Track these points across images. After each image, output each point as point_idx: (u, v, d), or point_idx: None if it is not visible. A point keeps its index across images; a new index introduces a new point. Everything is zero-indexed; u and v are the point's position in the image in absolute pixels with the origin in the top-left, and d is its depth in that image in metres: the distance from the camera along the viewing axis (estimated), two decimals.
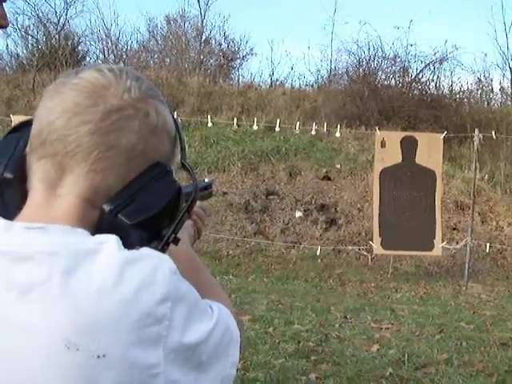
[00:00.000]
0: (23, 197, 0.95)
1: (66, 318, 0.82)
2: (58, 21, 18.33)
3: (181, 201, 0.99)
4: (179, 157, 1.04)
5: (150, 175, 0.95)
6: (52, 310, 0.83)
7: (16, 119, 10.48)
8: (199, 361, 0.92)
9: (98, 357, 0.82)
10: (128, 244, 0.91)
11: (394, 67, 16.58)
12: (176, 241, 0.99)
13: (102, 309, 0.83)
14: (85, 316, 0.82)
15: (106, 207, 0.92)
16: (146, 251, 0.89)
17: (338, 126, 12.33)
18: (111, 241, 0.89)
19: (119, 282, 0.84)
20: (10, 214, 0.94)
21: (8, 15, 1.46)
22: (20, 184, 0.95)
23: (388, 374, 5.07)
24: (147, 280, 0.86)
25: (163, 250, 0.97)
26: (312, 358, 5.44)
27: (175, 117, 1.02)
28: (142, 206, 0.94)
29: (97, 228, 0.93)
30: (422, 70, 16.59)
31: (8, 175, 0.96)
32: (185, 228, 1.11)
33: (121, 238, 0.90)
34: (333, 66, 18.94)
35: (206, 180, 1.54)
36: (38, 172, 0.94)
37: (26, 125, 1.00)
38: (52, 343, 0.82)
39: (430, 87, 16.75)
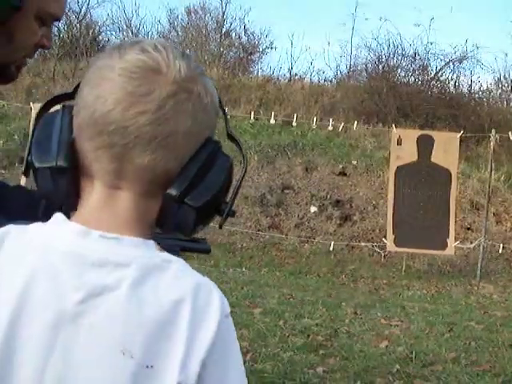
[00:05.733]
0: (75, 183, 0.96)
1: (127, 325, 0.87)
2: (80, 10, 18.44)
3: (232, 173, 1.00)
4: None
5: (206, 153, 0.96)
6: (115, 316, 0.88)
7: (36, 107, 10.58)
8: None
9: (147, 367, 0.86)
10: (185, 227, 0.97)
11: (413, 65, 16.53)
12: (233, 213, 1.01)
13: (160, 324, 0.88)
14: (144, 328, 0.87)
15: (173, 192, 0.94)
16: (208, 283, 0.93)
17: (356, 122, 12.33)
18: (179, 262, 0.93)
19: (180, 304, 0.89)
20: (63, 201, 0.97)
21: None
22: (72, 171, 0.95)
23: (395, 370, 5.11)
24: (206, 314, 0.90)
25: (222, 224, 1.01)
26: (320, 352, 5.49)
27: None
28: (205, 188, 0.96)
29: (160, 215, 0.96)
30: (441, 69, 16.54)
31: (62, 163, 0.95)
32: None
33: (178, 222, 0.96)
34: (352, 62, 18.92)
35: None
36: (95, 162, 0.94)
37: (50, 105, 1.04)
38: (109, 347, 0.87)
39: (449, 86, 16.69)
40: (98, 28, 19.78)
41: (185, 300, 0.89)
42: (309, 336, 5.95)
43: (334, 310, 7.21)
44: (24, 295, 0.88)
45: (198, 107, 0.95)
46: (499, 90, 17.87)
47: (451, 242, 9.96)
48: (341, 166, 12.95)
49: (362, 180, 12.80)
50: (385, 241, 10.18)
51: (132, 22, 20.27)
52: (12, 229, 0.94)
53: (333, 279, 9.69)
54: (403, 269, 10.28)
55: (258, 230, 11.48)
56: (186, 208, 0.94)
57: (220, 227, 1.03)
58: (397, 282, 9.70)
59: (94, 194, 0.94)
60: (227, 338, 0.92)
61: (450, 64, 16.53)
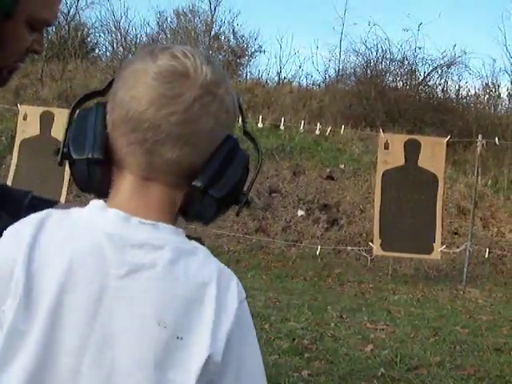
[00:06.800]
0: (107, 174, 1.06)
1: (164, 298, 0.99)
2: (69, 11, 18.34)
3: (249, 167, 1.11)
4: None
5: (226, 149, 1.07)
6: (153, 289, 0.99)
7: (23, 109, 10.53)
8: None
9: (177, 338, 0.98)
10: (206, 216, 1.08)
11: (401, 69, 16.61)
12: (248, 203, 1.12)
13: (190, 301, 0.99)
14: (178, 301, 0.99)
15: (198, 184, 1.04)
16: (227, 269, 1.07)
17: (343, 127, 12.34)
18: (204, 249, 1.06)
19: (207, 285, 1.01)
20: (95, 190, 1.08)
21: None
22: (105, 163, 1.05)
23: (380, 374, 5.10)
24: (228, 295, 1.03)
25: (239, 212, 1.13)
26: (305, 355, 5.48)
27: None
28: (226, 181, 1.06)
29: (184, 204, 1.06)
30: (429, 74, 16.62)
31: (98, 156, 1.04)
32: None
33: (200, 211, 1.07)
34: (341, 66, 18.97)
35: None
36: (128, 156, 1.04)
37: (83, 101, 1.12)
38: (146, 317, 0.98)
39: (437, 91, 16.80)
40: (86, 30, 19.73)
41: (212, 281, 1.01)
42: (294, 339, 5.94)
43: (320, 313, 7.21)
44: (71, 270, 0.98)
45: (221, 108, 1.05)
46: (487, 96, 17.98)
47: (437, 247, 9.98)
48: (328, 170, 12.97)
49: (349, 184, 12.82)
50: (371, 245, 10.19)
51: (121, 23, 20.19)
52: (54, 212, 1.04)
53: (319, 283, 9.68)
54: (389, 273, 10.30)
55: (245, 234, 11.47)
56: (208, 198, 1.05)
57: (237, 215, 1.15)
58: (383, 286, 9.70)
59: (126, 184, 1.05)
60: (245, 318, 1.04)
61: (438, 69, 16.63)
